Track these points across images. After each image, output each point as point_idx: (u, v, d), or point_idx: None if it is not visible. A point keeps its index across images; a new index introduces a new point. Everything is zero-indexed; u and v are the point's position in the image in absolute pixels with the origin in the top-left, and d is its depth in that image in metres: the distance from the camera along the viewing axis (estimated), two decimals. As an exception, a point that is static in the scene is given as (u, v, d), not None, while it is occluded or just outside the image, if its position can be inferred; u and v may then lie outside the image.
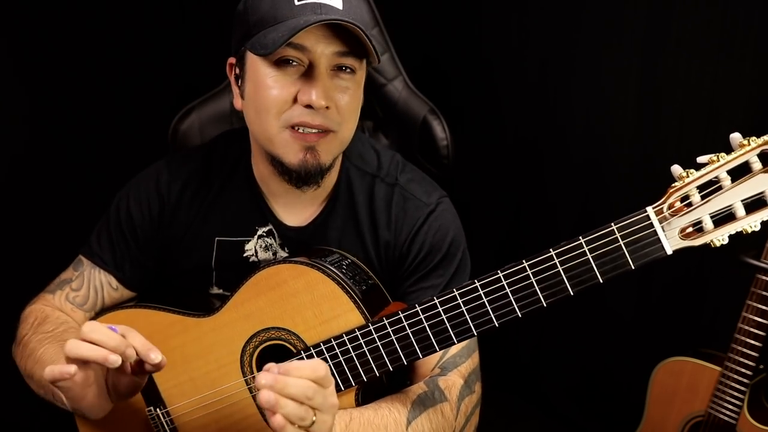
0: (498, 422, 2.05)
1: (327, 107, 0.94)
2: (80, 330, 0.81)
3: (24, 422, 1.78)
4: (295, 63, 0.94)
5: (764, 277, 1.30)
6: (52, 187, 1.82)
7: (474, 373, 1.03)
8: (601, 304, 1.91)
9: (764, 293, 1.31)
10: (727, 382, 1.38)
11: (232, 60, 1.04)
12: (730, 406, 1.39)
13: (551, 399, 2.16)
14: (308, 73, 0.94)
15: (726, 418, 1.40)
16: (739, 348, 1.35)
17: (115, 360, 0.79)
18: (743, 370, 1.36)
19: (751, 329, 1.33)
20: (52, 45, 1.74)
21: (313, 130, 0.95)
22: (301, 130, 0.95)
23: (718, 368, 1.41)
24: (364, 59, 0.98)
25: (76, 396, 0.86)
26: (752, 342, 1.33)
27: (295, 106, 0.95)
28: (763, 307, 1.31)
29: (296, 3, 0.91)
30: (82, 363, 0.82)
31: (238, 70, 1.02)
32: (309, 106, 0.93)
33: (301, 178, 0.99)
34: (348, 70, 0.96)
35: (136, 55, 1.84)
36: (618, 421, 1.79)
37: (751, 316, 1.33)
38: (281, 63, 0.94)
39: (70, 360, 0.81)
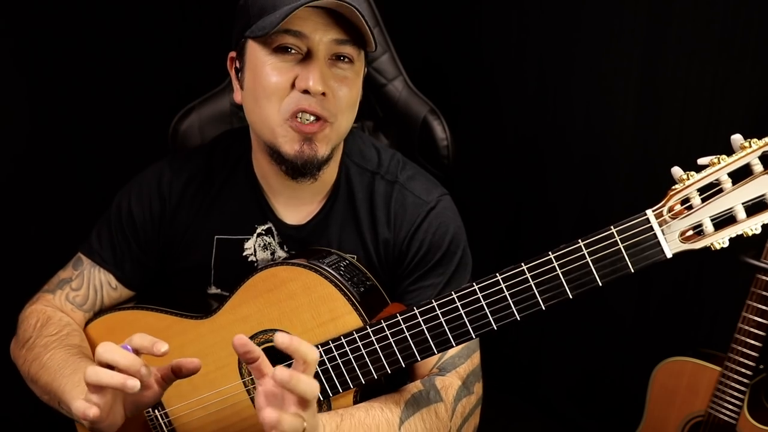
0: (498, 422, 2.04)
1: (323, 93, 0.94)
2: (96, 352, 0.80)
3: (24, 422, 1.78)
4: (293, 50, 0.94)
5: (764, 277, 1.30)
6: (52, 187, 1.82)
7: (473, 374, 1.02)
8: (601, 304, 1.90)
9: (764, 293, 1.30)
10: (727, 382, 1.38)
11: (232, 54, 1.04)
12: (730, 406, 1.39)
13: (551, 399, 2.16)
14: (306, 60, 0.94)
15: (726, 418, 1.40)
16: (739, 348, 1.35)
17: (134, 385, 0.78)
18: (743, 370, 1.35)
19: (751, 329, 1.33)
20: (52, 45, 1.74)
21: (311, 118, 0.95)
22: (299, 118, 0.95)
23: (718, 368, 1.41)
24: (362, 50, 0.98)
25: (97, 419, 0.86)
26: (752, 342, 1.33)
27: (293, 93, 0.95)
28: (763, 307, 1.31)
29: None
30: (102, 388, 0.81)
31: (238, 63, 1.02)
32: (306, 92, 0.93)
33: (298, 168, 0.98)
34: (346, 59, 0.96)
35: (136, 55, 1.84)
36: (618, 421, 1.78)
37: (751, 316, 1.33)
38: (279, 50, 0.94)
39: (90, 387, 0.81)
